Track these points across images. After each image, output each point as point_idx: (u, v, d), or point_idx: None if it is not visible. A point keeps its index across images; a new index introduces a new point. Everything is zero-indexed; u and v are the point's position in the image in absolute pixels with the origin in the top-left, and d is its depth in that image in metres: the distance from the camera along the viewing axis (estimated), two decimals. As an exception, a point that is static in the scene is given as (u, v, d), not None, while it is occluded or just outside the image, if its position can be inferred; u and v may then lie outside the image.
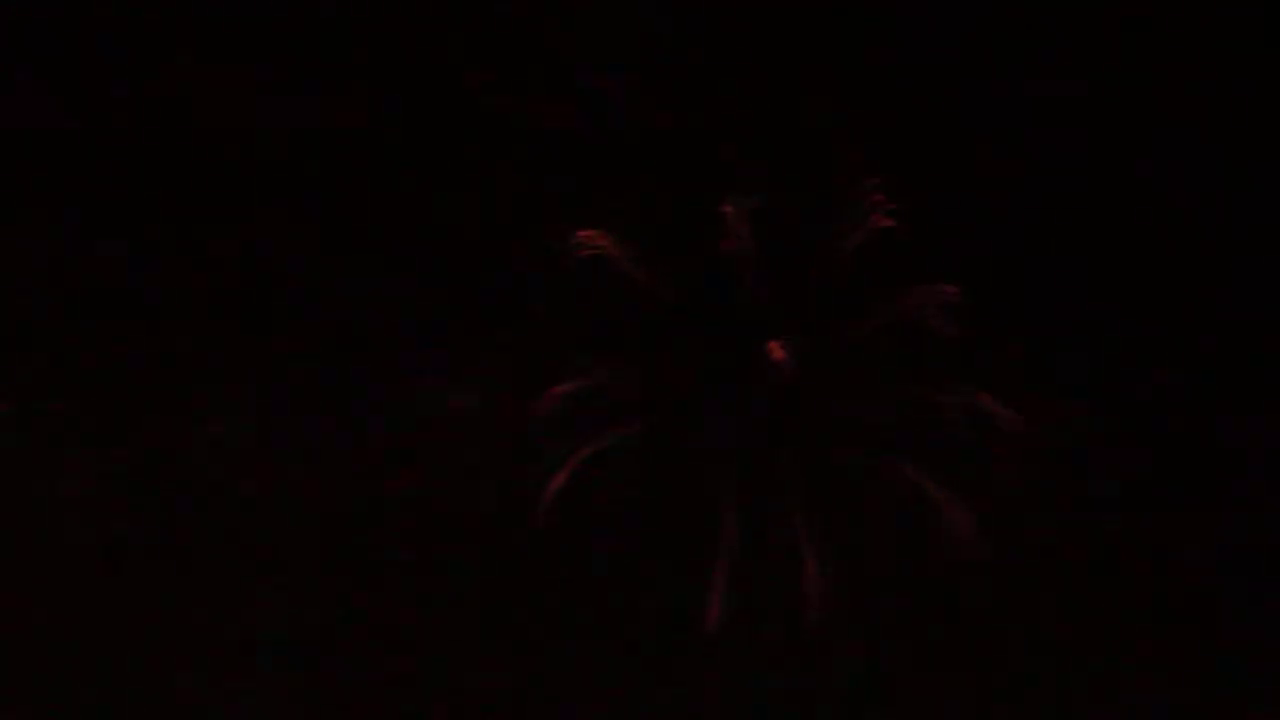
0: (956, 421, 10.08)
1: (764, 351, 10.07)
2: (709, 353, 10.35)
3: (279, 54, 12.36)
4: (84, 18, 13.37)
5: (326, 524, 12.18)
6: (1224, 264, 10.95)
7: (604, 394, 10.48)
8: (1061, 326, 10.89)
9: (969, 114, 11.27)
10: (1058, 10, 11.47)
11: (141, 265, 13.08)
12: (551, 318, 11.00)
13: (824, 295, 10.45)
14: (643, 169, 11.42)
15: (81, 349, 12.89)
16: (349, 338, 12.17)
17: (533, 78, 12.12)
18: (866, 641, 10.10)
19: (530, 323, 11.20)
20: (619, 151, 11.46)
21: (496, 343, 11.33)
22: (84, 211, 13.29)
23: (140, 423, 12.53)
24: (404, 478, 11.69)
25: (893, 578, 10.22)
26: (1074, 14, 11.42)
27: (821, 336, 10.30)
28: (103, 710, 11.97)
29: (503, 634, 11.16)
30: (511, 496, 10.95)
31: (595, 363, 10.54)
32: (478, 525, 11.21)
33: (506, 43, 12.39)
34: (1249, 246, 11.11)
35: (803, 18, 11.48)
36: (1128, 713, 10.24)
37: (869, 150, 11.15)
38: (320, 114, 12.52)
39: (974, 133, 11.25)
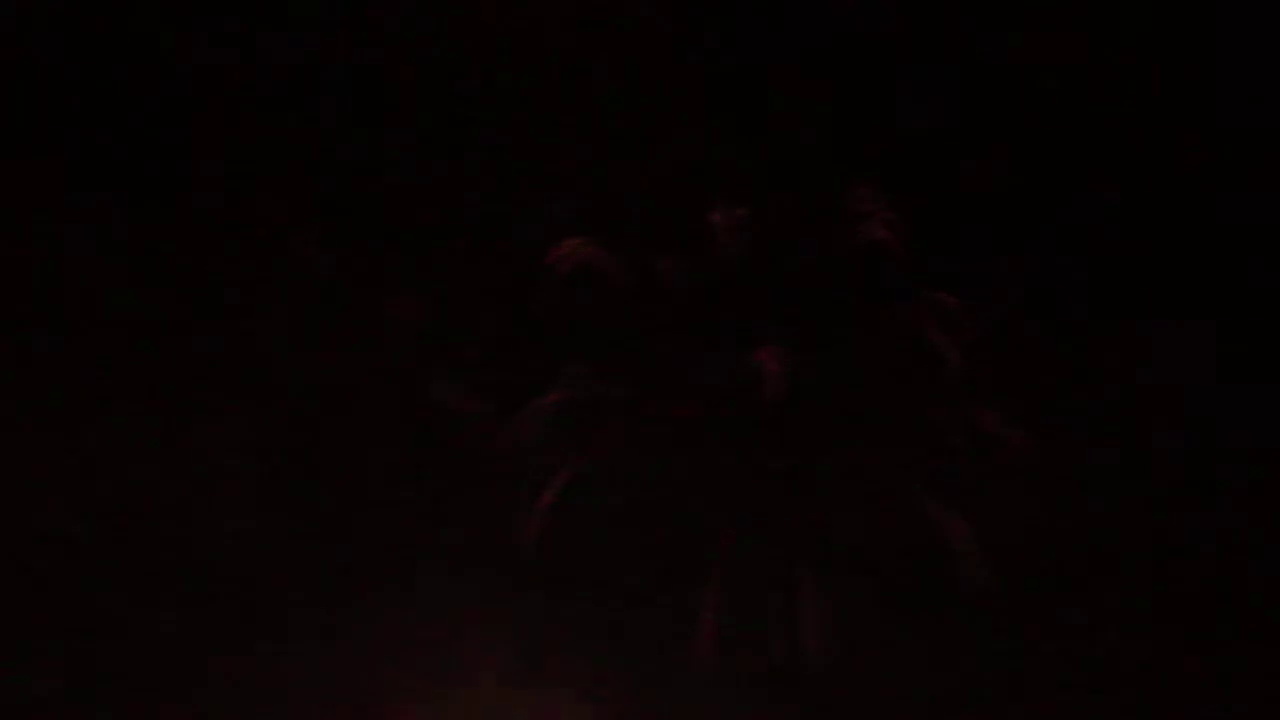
0: (956, 436, 10.01)
1: (756, 362, 10.00)
2: (699, 363, 10.29)
3: (269, 49, 12.33)
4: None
5: (318, 525, 12.13)
6: (1233, 272, 10.92)
7: (593, 403, 10.41)
8: (1064, 338, 10.87)
9: (971, 120, 11.24)
10: (1059, 13, 11.46)
11: (136, 262, 13.01)
12: (540, 325, 10.97)
13: (819, 305, 10.38)
14: (635, 175, 11.42)
15: (70, 348, 12.84)
16: (340, 341, 12.14)
17: (527, 83, 12.14)
18: (864, 661, 10.05)
19: (520, 329, 11.17)
20: (611, 156, 11.46)
21: (487, 348, 11.30)
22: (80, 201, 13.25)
23: (132, 419, 12.44)
24: (393, 485, 11.65)
25: (891, 594, 10.17)
26: (1075, 17, 11.41)
27: (816, 348, 10.24)
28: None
29: (494, 644, 11.11)
30: (501, 507, 10.93)
31: (584, 371, 10.48)
32: (467, 535, 11.18)
33: (502, 47, 12.39)
34: (1260, 252, 11.08)
35: (799, 23, 11.47)
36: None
37: (866, 157, 11.15)
38: (312, 113, 12.51)
39: (978, 141, 11.23)
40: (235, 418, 11.25)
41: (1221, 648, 10.16)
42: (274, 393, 11.31)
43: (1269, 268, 10.88)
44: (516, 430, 10.52)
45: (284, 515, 11.17)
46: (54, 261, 11.79)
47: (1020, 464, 9.85)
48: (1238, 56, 10.95)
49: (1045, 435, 10.07)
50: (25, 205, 12.15)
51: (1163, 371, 10.56)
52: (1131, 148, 11.01)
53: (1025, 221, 10.90)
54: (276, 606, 10.94)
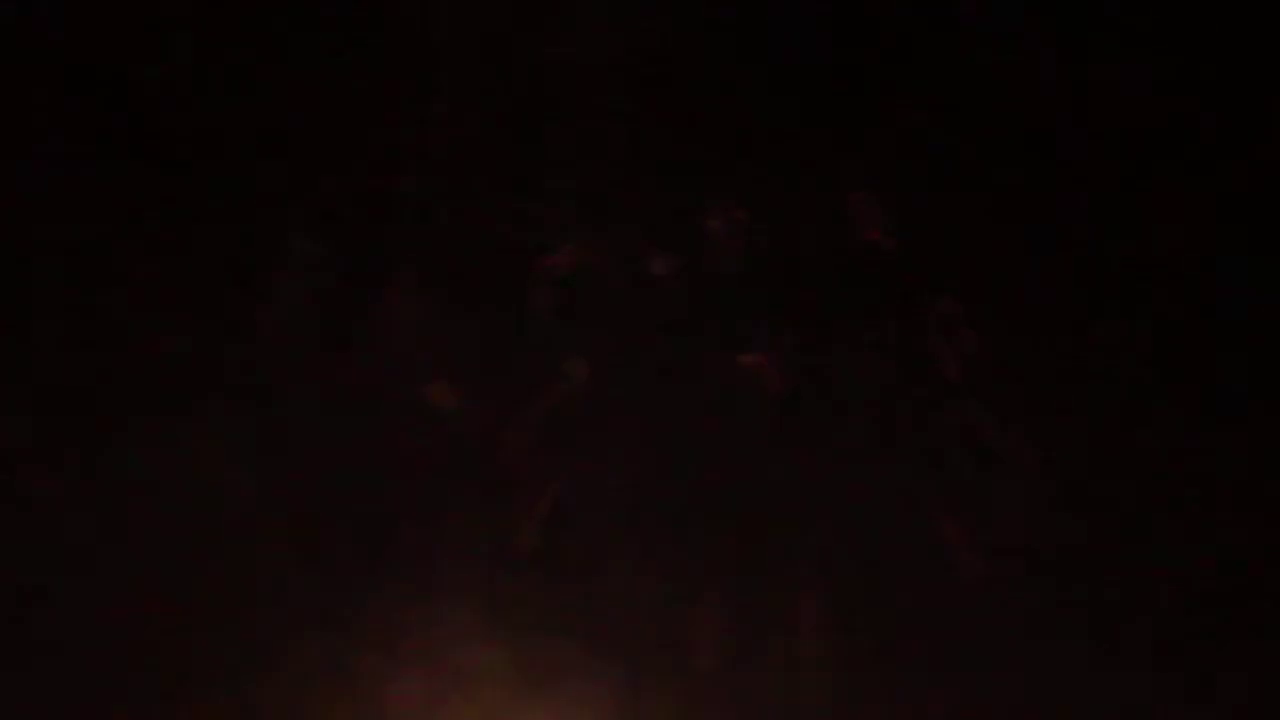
0: (955, 441, 10.01)
1: (750, 366, 10.00)
2: (694, 366, 10.29)
3: (269, 47, 12.31)
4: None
5: (314, 527, 12.08)
6: (1239, 276, 10.90)
7: (589, 406, 10.42)
8: (1064, 345, 10.85)
9: (972, 123, 11.22)
10: (1059, 17, 11.43)
11: (131, 262, 12.95)
12: (536, 327, 10.97)
13: (817, 309, 10.38)
14: (631, 177, 11.41)
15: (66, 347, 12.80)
16: (336, 341, 12.11)
17: (527, 84, 12.11)
18: (864, 667, 10.05)
19: (517, 331, 11.16)
20: (607, 160, 11.45)
21: (482, 350, 11.30)
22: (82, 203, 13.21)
23: (127, 419, 12.39)
24: (390, 487, 11.62)
25: (889, 600, 10.17)
26: (1076, 20, 11.39)
27: (814, 351, 10.23)
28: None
29: (493, 647, 11.11)
30: (499, 509, 10.92)
31: (582, 373, 10.48)
32: (465, 537, 11.18)
33: (502, 47, 12.36)
34: (1263, 254, 11.08)
35: (797, 26, 11.44)
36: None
37: (866, 160, 11.13)
38: (310, 112, 12.49)
39: (980, 144, 11.21)
40: (229, 418, 11.25)
41: (1224, 650, 10.18)
42: (269, 393, 11.32)
43: (1271, 270, 10.87)
44: (514, 432, 10.53)
45: (280, 516, 11.19)
46: (49, 260, 11.80)
47: (1020, 468, 9.86)
48: (1237, 58, 10.95)
49: (1045, 440, 10.08)
50: (17, 202, 12.16)
51: (1163, 374, 10.56)
52: (1133, 150, 11.01)
53: (1025, 226, 10.89)
54: (272, 608, 10.95)
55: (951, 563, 9.80)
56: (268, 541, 11.00)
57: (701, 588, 9.94)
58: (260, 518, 11.16)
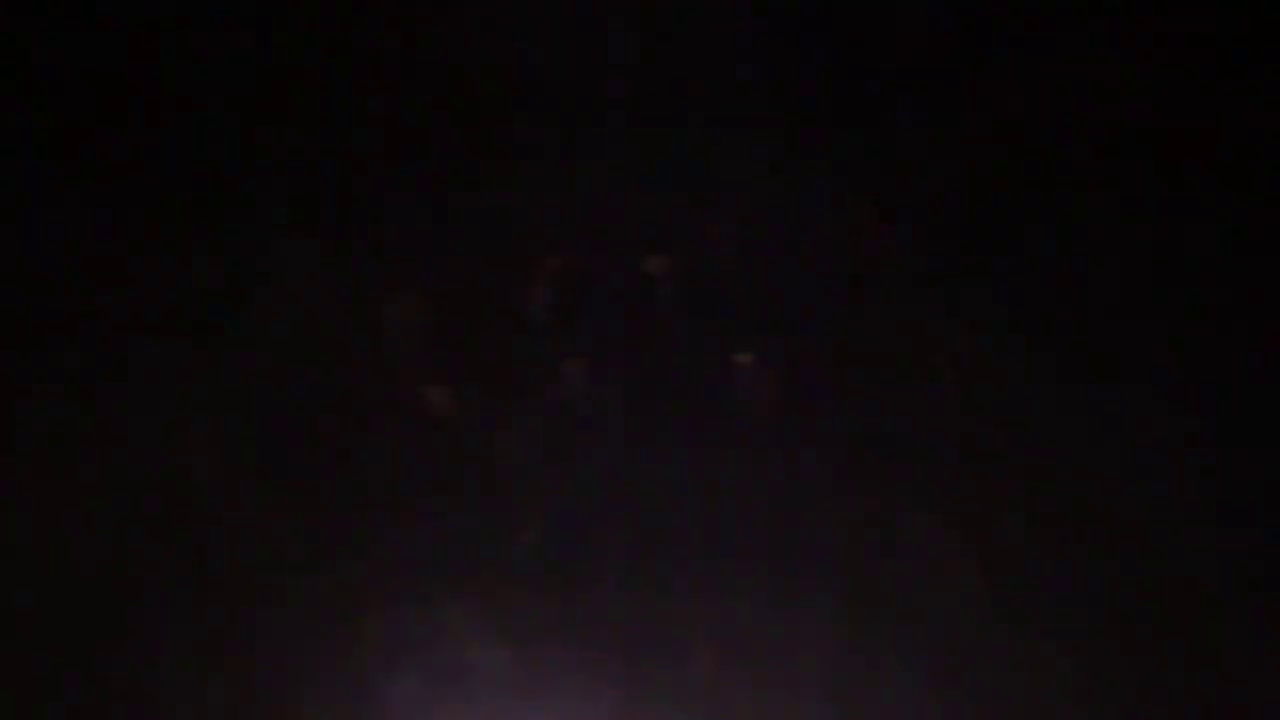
0: (952, 450, 10.01)
1: (747, 368, 10.00)
2: (692, 367, 10.30)
3: (267, 47, 12.28)
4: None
5: (312, 529, 12.07)
6: (1240, 276, 10.86)
7: (584, 406, 10.43)
8: (1064, 345, 10.84)
9: (973, 134, 11.19)
10: (1062, 21, 11.39)
11: (130, 262, 12.90)
12: (536, 326, 10.96)
13: (813, 315, 10.38)
14: (632, 178, 11.40)
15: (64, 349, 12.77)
16: (334, 343, 12.09)
17: (526, 84, 12.09)
18: (864, 667, 10.08)
19: (516, 331, 11.16)
20: (606, 161, 11.44)
21: (482, 350, 11.29)
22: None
23: (124, 419, 12.37)
24: (389, 489, 11.61)
25: (888, 600, 10.19)
26: (1076, 28, 11.35)
27: (811, 357, 10.23)
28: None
29: (493, 648, 11.11)
30: (497, 510, 10.93)
31: (575, 373, 10.49)
32: (464, 539, 11.18)
33: (501, 48, 12.33)
34: (1261, 255, 11.04)
35: (797, 28, 11.42)
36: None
37: (868, 162, 11.11)
38: (308, 111, 12.46)
39: (979, 155, 11.18)
40: (224, 421, 11.26)
41: (1224, 651, 10.18)
42: (267, 393, 11.32)
43: (1273, 270, 10.85)
44: (512, 433, 10.55)
45: (279, 519, 11.19)
46: (47, 261, 11.79)
47: (1014, 477, 9.87)
48: (1236, 60, 10.91)
49: (1044, 440, 10.09)
50: (14, 202, 12.15)
51: (1163, 381, 10.56)
52: (1134, 151, 10.97)
53: (1025, 227, 10.87)
54: (271, 610, 10.94)
55: (950, 562, 9.83)
56: (265, 542, 11.02)
57: (698, 587, 9.97)
58: (257, 518, 11.18)
